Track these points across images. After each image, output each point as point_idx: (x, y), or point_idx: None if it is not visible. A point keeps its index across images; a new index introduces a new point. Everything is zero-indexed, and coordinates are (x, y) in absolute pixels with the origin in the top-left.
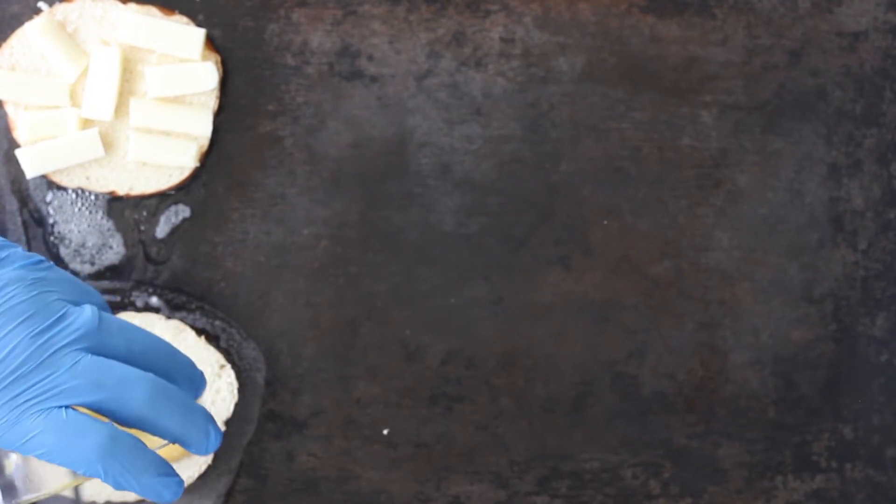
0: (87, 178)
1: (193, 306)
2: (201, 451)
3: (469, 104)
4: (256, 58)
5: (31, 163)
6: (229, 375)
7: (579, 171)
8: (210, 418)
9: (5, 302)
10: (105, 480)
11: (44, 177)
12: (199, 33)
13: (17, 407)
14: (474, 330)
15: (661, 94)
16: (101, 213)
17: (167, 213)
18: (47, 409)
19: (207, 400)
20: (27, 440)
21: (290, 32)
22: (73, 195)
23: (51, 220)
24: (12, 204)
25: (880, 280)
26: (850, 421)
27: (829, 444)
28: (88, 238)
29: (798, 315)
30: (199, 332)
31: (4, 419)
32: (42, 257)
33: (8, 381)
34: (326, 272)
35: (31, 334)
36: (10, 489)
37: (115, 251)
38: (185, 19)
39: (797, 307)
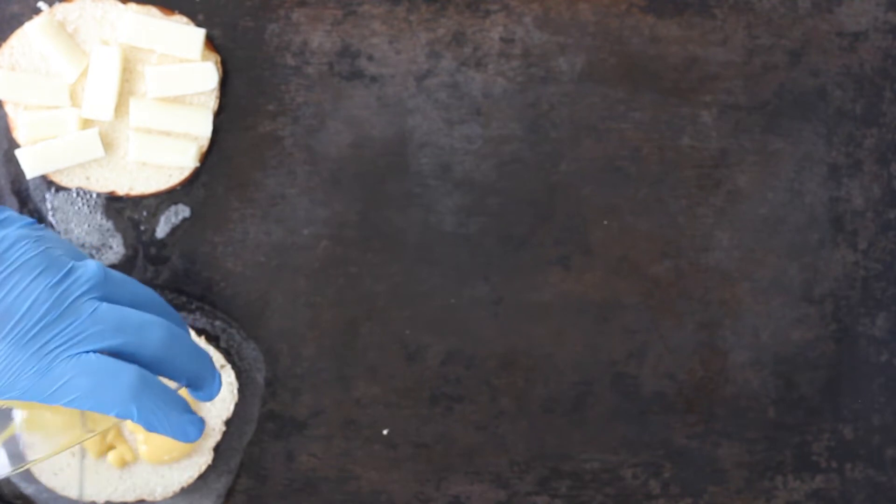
0: (87, 178)
1: (193, 306)
2: (209, 395)
3: (469, 104)
4: (256, 58)
5: (31, 163)
6: (229, 375)
7: (579, 171)
8: (213, 363)
9: (19, 257)
10: (137, 421)
11: (44, 177)
12: (199, 33)
13: (46, 355)
14: (474, 330)
15: (661, 94)
16: (100, 213)
17: (167, 213)
18: (76, 353)
19: None
20: (59, 387)
21: (290, 32)
22: (73, 195)
23: (51, 220)
24: (12, 204)
25: (880, 280)
26: (850, 421)
27: (829, 444)
28: (88, 238)
29: (798, 315)
30: (199, 332)
31: (35, 368)
32: (34, 219)
33: (35, 332)
34: (326, 272)
35: (49, 285)
36: (15, 453)
37: (115, 251)
38: (185, 19)
39: (797, 307)
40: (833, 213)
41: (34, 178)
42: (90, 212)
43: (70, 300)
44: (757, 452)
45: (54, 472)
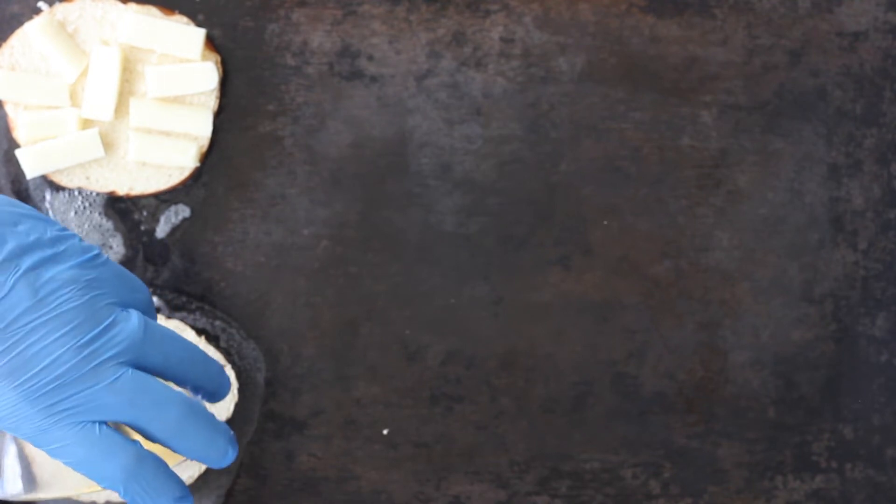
0: (87, 178)
1: (193, 306)
2: (215, 467)
3: (469, 104)
4: (256, 58)
5: (31, 163)
6: (229, 375)
7: (579, 171)
8: (231, 438)
9: (58, 306)
10: (123, 497)
11: (44, 177)
12: (199, 33)
13: (52, 415)
14: (474, 330)
15: (661, 94)
16: (100, 213)
17: (167, 213)
18: (82, 422)
19: None
20: (57, 448)
21: (290, 32)
22: (74, 195)
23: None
24: None
25: (880, 280)
26: (850, 421)
27: (829, 444)
28: (88, 238)
29: (798, 315)
30: (199, 332)
31: (38, 425)
32: (98, 249)
33: (48, 389)
34: (326, 272)
35: (78, 345)
36: (31, 481)
37: (115, 251)
38: (185, 19)
39: (797, 307)
40: (833, 213)
41: (34, 178)
42: (90, 212)
43: (95, 363)
44: (757, 452)
45: None
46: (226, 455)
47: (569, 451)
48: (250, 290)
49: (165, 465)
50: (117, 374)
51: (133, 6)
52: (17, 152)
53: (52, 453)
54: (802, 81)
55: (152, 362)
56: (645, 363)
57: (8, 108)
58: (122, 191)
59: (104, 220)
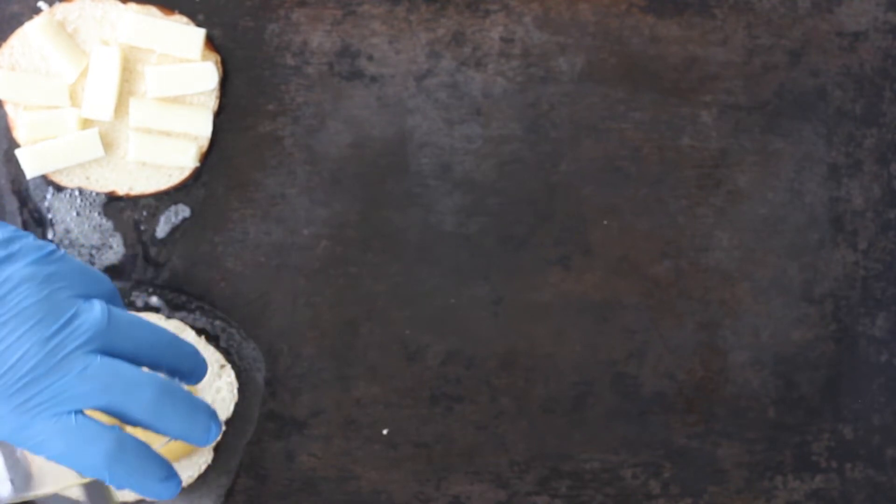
0: (87, 178)
1: (193, 306)
2: (200, 445)
3: (469, 104)
4: (256, 58)
5: (31, 163)
6: (229, 375)
7: (579, 171)
8: (212, 414)
9: (18, 304)
10: (109, 483)
11: (44, 177)
12: (199, 33)
13: (28, 411)
14: (474, 330)
15: (661, 94)
16: (100, 213)
17: (167, 213)
18: (57, 414)
19: (207, 400)
20: (37, 443)
21: (290, 32)
22: (74, 195)
23: (51, 220)
24: (12, 204)
25: (880, 280)
26: (850, 421)
27: (829, 444)
28: (88, 238)
29: (798, 315)
30: (199, 332)
31: (15, 423)
32: (54, 246)
33: (19, 386)
34: (326, 272)
35: (42, 338)
36: (22, 481)
37: (115, 251)
38: (185, 19)
39: (797, 307)
40: (833, 213)
41: (34, 178)
42: (90, 212)
43: (62, 354)
44: (757, 452)
45: None
46: (208, 431)
47: (569, 451)
48: (250, 290)
49: (148, 447)
50: (86, 363)
51: (133, 6)
52: (17, 152)
53: (34, 449)
54: (802, 81)
55: (122, 348)
56: (645, 363)
57: (8, 108)
58: (122, 191)
59: (104, 220)
